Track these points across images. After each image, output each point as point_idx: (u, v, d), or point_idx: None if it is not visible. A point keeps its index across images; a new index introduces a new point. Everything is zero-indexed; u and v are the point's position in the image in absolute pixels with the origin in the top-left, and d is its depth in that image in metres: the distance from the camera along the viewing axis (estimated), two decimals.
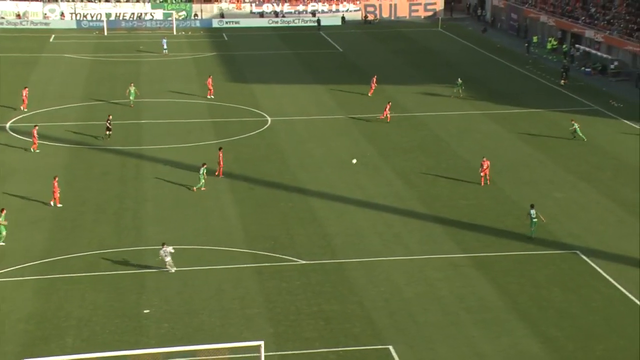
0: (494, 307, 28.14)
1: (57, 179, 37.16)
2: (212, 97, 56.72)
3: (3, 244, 32.57)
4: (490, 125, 50.85)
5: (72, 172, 41.44)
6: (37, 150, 44.48)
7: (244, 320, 27.18)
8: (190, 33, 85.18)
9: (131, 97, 54.29)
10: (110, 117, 48.08)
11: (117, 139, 47.15)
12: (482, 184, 39.85)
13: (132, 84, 55.65)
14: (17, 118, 51.56)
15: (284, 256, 31.98)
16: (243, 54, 74.26)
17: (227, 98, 57.12)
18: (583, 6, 76.87)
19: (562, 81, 62.22)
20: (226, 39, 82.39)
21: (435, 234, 34.37)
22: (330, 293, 29.03)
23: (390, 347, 25.58)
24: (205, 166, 39.16)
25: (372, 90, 58.15)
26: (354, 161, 42.86)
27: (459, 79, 58.39)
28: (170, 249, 30.42)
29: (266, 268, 30.94)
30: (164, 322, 27.03)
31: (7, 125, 49.78)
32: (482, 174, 39.89)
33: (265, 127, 50.36)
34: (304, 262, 31.54)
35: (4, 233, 32.63)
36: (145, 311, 27.66)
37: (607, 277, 30.49)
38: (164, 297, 28.64)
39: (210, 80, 57.95)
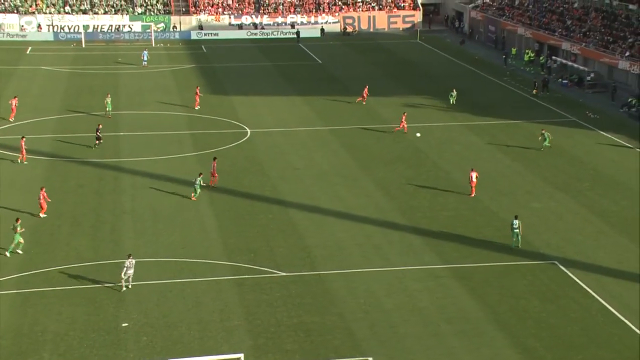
0: (474, 318, 28.21)
1: (44, 189, 37.08)
2: (197, 108, 56.74)
3: (20, 252, 32.60)
4: (469, 137, 51.15)
5: (48, 184, 40.98)
6: (25, 162, 44.03)
7: (224, 333, 27.03)
8: (168, 45, 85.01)
9: (108, 108, 54.23)
10: (100, 126, 48.16)
11: (95, 152, 46.86)
12: (473, 194, 40.05)
13: (109, 95, 55.59)
14: None
15: (263, 268, 31.87)
16: (222, 66, 74.21)
17: (206, 110, 56.99)
18: (559, 19, 77.74)
19: (534, 90, 62.98)
20: (205, 51, 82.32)
21: (415, 245, 34.44)
22: (311, 305, 28.96)
23: (371, 359, 25.52)
24: (202, 176, 39.30)
25: (363, 99, 58.91)
26: (418, 135, 46.96)
27: (454, 90, 58.92)
28: (134, 261, 30.07)
29: (246, 280, 30.81)
30: (142, 335, 26.81)
31: None
32: (472, 184, 40.05)
33: (245, 138, 50.30)
34: (284, 273, 31.45)
35: (21, 240, 32.65)
36: (123, 324, 27.42)
37: (586, 287, 30.68)
38: (143, 310, 28.41)
39: (197, 90, 58.00)
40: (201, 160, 45.46)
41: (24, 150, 44.26)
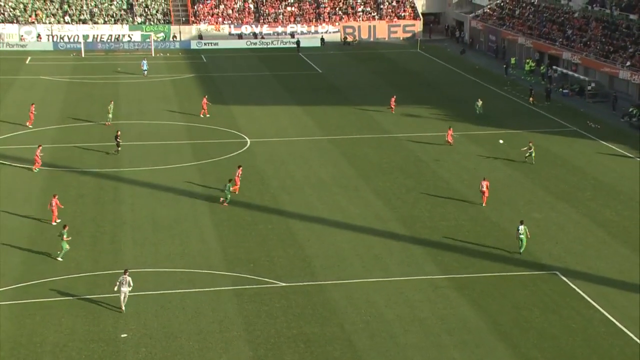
0: (475, 329, 28.19)
1: (56, 197, 37.47)
2: (207, 116, 57.19)
3: (61, 259, 33.07)
4: (469, 146, 51.19)
5: (47, 194, 41.05)
6: (36, 170, 44.54)
7: (223, 344, 27.01)
8: (168, 55, 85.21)
9: (110, 116, 54.60)
10: (119, 132, 48.89)
11: (94, 161, 46.91)
12: (485, 203, 40.24)
13: (112, 102, 56.02)
14: None
15: (263, 278, 31.86)
16: (222, 76, 74.38)
17: (206, 119, 57.11)
18: (560, 28, 77.92)
19: (530, 99, 63.05)
20: (205, 60, 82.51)
21: (416, 255, 34.44)
22: (311, 315, 28.95)
23: None
24: (231, 182, 40.01)
25: (392, 109, 59.36)
26: (501, 141, 47.93)
27: (479, 100, 58.97)
28: (130, 279, 28.83)
29: (245, 290, 30.80)
30: (141, 346, 26.78)
31: None
32: (483, 193, 40.31)
33: (245, 148, 50.36)
34: (284, 284, 31.44)
35: (66, 247, 33.18)
36: (122, 335, 27.40)
37: (587, 298, 30.65)
38: (142, 320, 28.40)
39: (204, 100, 58.19)
40: (201, 170, 45.54)
41: (39, 158, 44.65)
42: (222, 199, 39.71)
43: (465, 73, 76.60)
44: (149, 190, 42.09)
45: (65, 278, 31.60)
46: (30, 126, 54.05)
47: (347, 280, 31.83)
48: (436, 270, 32.88)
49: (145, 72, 73.28)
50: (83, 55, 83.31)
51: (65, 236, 33.21)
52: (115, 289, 28.95)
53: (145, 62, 74.53)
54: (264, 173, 45.31)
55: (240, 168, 42.10)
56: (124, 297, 28.97)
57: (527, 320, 28.83)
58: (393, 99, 60.27)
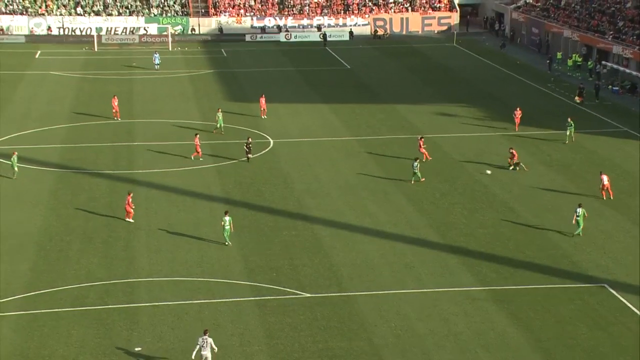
0: (515, 345, 28.04)
1: (131, 194, 38.70)
2: (264, 117, 57.16)
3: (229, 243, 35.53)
4: (509, 148, 50.84)
5: (57, 198, 41.58)
6: (201, 159, 47.33)
7: (244, 358, 27.12)
8: (186, 49, 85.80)
9: (219, 124, 53.33)
10: (250, 139, 48.64)
11: (107, 163, 47.34)
12: (605, 197, 41.67)
13: (220, 110, 54.71)
14: None
15: (287, 289, 31.95)
16: (243, 71, 74.73)
17: (226, 118, 57.32)
18: (610, 20, 77.23)
19: (577, 98, 62.27)
20: (225, 55, 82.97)
21: (451, 265, 34.34)
22: (337, 329, 28.98)
23: None
24: (418, 160, 43.89)
25: (516, 125, 55.19)
26: (489, 172, 45.69)
27: (570, 120, 52.71)
28: (211, 340, 25.89)
29: (268, 301, 30.91)
30: None
31: None
32: (604, 189, 41.64)
33: (267, 149, 50.55)
34: (309, 295, 31.51)
35: (228, 232, 35.60)
36: (136, 349, 27.62)
37: (639, 313, 30.32)
38: (157, 333, 28.60)
39: (263, 99, 57.73)
40: (220, 172, 45.78)
41: (199, 147, 47.28)
42: (413, 180, 43.11)
43: (505, 69, 76.24)
44: (165, 194, 42.39)
45: (75, 287, 31.92)
46: (118, 119, 56.14)
47: (377, 291, 31.82)
48: (473, 281, 32.75)
49: (157, 66, 73.85)
50: (96, 49, 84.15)
51: (227, 223, 35.26)
52: (194, 355, 25.90)
53: (157, 55, 75.14)
54: (288, 176, 45.45)
55: (422, 139, 47.62)
56: None
57: (573, 337, 28.60)
58: (519, 113, 54.88)
